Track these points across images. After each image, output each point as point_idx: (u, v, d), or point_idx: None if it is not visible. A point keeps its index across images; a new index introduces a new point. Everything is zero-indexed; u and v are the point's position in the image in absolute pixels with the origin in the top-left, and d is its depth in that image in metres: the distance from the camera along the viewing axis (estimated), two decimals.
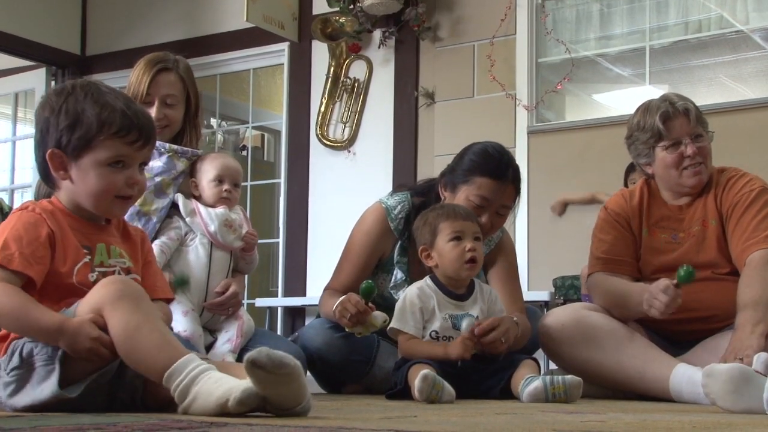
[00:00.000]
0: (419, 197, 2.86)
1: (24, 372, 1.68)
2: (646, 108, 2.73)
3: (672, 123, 2.66)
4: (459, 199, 2.66)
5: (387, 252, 2.84)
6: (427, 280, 2.50)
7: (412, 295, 2.44)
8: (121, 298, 1.63)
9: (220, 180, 2.74)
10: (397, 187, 3.01)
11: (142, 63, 2.82)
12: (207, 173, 2.75)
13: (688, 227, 2.69)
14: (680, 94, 2.76)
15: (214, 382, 1.52)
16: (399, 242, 2.81)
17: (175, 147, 2.76)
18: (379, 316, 2.46)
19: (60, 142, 1.77)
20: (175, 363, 1.55)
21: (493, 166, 2.66)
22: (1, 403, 1.73)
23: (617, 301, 2.63)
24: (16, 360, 1.68)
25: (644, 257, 2.73)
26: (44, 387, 1.65)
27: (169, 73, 2.81)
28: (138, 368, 1.62)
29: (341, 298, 2.48)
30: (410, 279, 2.77)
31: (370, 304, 2.45)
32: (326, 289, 2.85)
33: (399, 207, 2.82)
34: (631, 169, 4.32)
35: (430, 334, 2.41)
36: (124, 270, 1.83)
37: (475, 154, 2.71)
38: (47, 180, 1.86)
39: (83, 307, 1.67)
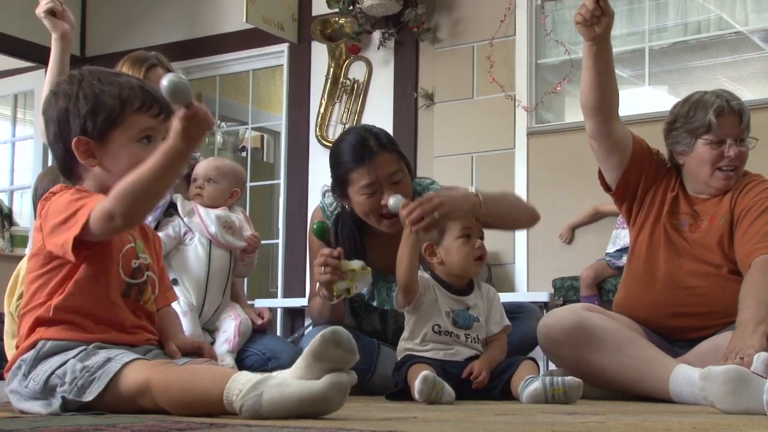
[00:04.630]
0: None
1: (40, 395, 1.67)
2: (698, 100, 2.70)
3: (724, 119, 2.65)
4: (356, 203, 2.63)
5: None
6: (425, 273, 2.50)
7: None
8: (156, 365, 1.62)
9: (194, 179, 2.82)
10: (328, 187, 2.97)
11: (126, 64, 2.80)
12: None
13: (699, 220, 2.69)
14: (731, 92, 2.74)
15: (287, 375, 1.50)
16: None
17: None
18: (354, 261, 2.47)
19: (85, 128, 1.74)
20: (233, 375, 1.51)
21: (355, 156, 2.61)
22: (7, 391, 1.74)
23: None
24: (38, 385, 1.66)
25: (650, 232, 2.71)
26: (40, 407, 1.65)
27: (156, 69, 2.82)
28: (199, 398, 1.53)
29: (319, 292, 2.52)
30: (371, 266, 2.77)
31: (339, 249, 2.45)
32: (311, 297, 2.86)
33: (334, 204, 2.81)
34: None
35: (433, 328, 2.40)
36: (145, 266, 1.84)
37: (337, 156, 2.68)
38: (69, 173, 1.81)
39: (129, 388, 1.60)
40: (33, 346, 1.70)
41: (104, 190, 1.78)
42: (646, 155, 2.73)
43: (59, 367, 1.65)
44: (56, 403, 1.63)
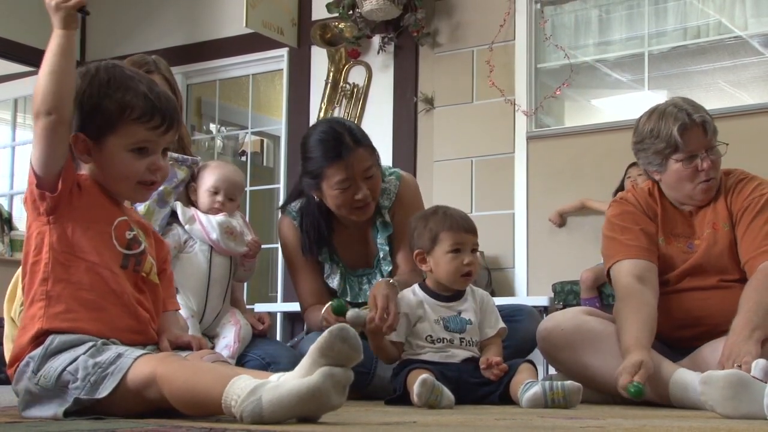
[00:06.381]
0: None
1: (51, 392, 1.66)
2: (660, 115, 2.63)
3: (689, 135, 2.58)
4: (329, 196, 2.66)
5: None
6: (415, 288, 2.50)
7: (399, 306, 2.45)
8: (164, 357, 1.64)
9: (215, 191, 2.76)
10: (289, 197, 2.97)
11: None
12: (206, 181, 2.77)
13: (701, 233, 2.66)
14: (691, 101, 2.68)
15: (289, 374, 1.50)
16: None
17: (175, 155, 2.77)
18: (350, 312, 2.48)
19: (83, 126, 1.76)
20: (237, 375, 1.52)
21: (331, 152, 2.62)
22: (14, 389, 1.74)
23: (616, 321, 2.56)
24: (50, 382, 1.66)
25: (660, 263, 2.66)
26: (52, 408, 1.65)
27: (153, 75, 2.81)
28: (199, 396, 1.53)
29: (323, 315, 2.57)
30: (339, 261, 2.82)
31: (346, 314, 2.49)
32: (304, 310, 2.88)
33: (297, 205, 2.84)
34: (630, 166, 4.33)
35: (426, 338, 2.41)
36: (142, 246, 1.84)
37: (311, 150, 2.67)
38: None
39: (136, 379, 1.60)
40: (38, 339, 1.70)
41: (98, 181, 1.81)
42: (652, 234, 2.67)
43: (70, 363, 1.65)
44: (69, 401, 1.63)
